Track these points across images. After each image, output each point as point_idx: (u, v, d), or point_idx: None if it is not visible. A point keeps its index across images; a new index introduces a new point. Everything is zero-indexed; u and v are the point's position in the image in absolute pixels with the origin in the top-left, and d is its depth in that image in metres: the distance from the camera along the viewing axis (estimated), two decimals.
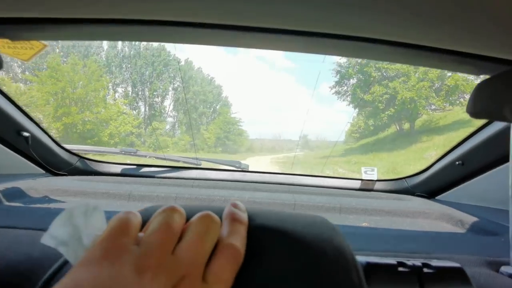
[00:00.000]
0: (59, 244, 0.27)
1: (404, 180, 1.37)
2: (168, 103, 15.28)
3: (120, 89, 13.70)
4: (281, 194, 1.21)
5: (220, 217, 0.30)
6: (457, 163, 1.15)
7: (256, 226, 0.31)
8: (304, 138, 16.95)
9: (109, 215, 0.59)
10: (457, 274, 0.55)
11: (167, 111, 15.10)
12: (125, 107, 11.50)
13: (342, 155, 11.19)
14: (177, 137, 13.95)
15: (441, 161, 1.24)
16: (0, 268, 0.57)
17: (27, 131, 1.10)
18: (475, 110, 0.57)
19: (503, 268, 0.64)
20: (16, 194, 1.04)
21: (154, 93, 14.83)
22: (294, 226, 0.33)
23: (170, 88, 15.24)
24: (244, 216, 0.30)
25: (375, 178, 1.36)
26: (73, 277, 0.23)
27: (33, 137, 1.14)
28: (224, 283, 0.25)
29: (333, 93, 12.55)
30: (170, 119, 15.14)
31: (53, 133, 8.50)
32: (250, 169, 1.46)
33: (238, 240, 0.27)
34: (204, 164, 1.48)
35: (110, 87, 12.18)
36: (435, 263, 0.57)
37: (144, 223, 0.29)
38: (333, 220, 0.69)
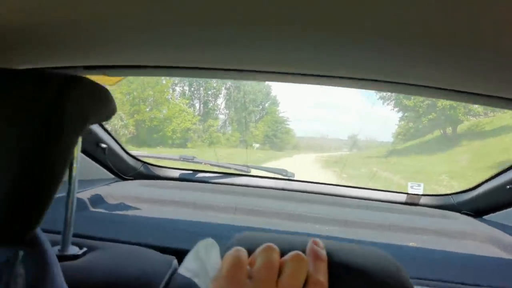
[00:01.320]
0: (193, 276, 0.35)
1: (450, 196, 1.33)
2: (221, 101, 16.13)
3: (178, 88, 14.73)
4: (329, 208, 1.24)
5: (304, 250, 0.36)
6: (508, 187, 1.10)
7: (334, 262, 0.36)
8: (352, 138, 16.77)
9: (176, 224, 0.91)
10: None
11: (219, 109, 15.94)
12: (185, 106, 12.58)
13: (385, 156, 11.41)
14: (228, 134, 14.69)
15: (491, 181, 1.19)
16: (117, 284, 0.63)
17: (104, 142, 1.21)
18: None
19: None
20: (98, 200, 1.12)
21: (208, 92, 15.42)
22: (365, 262, 0.38)
23: (223, 88, 15.71)
24: (324, 254, 0.36)
25: (421, 193, 1.34)
26: None
27: (108, 147, 1.25)
28: None
29: (378, 98, 12.82)
30: (222, 117, 15.91)
31: (128, 128, 9.70)
32: (295, 178, 1.50)
33: (322, 276, 0.33)
34: (253, 172, 1.53)
35: (171, 87, 13.30)
36: None
37: (248, 251, 0.35)
38: (381, 238, 0.94)
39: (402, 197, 1.33)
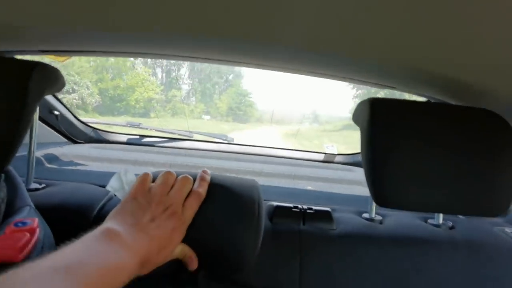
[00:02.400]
0: (115, 191, 0.52)
1: (358, 154, 1.49)
2: (184, 71, 15.97)
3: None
4: (255, 164, 1.39)
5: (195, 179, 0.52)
6: None
7: (213, 183, 0.53)
8: (314, 112, 17.17)
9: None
10: (326, 214, 0.75)
11: (183, 79, 15.68)
12: (148, 75, 12.28)
13: (338, 130, 11.98)
14: (192, 105, 14.62)
15: None
16: (63, 207, 0.75)
17: (56, 110, 1.27)
18: None
19: (364, 215, 0.79)
20: (52, 158, 1.22)
21: (171, 61, 15.08)
22: (232, 184, 0.57)
23: None
24: (208, 177, 0.52)
25: (336, 153, 1.53)
26: (121, 205, 0.45)
27: (61, 114, 1.31)
28: (192, 210, 0.47)
29: None
30: (185, 87, 15.67)
31: (94, 97, 9.39)
32: (234, 142, 1.59)
33: (202, 190, 0.49)
34: (196, 137, 1.60)
35: None
36: (315, 208, 0.78)
37: (153, 180, 0.51)
38: (287, 184, 1.16)
39: (321, 156, 1.50)
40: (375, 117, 0.57)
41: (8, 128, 0.55)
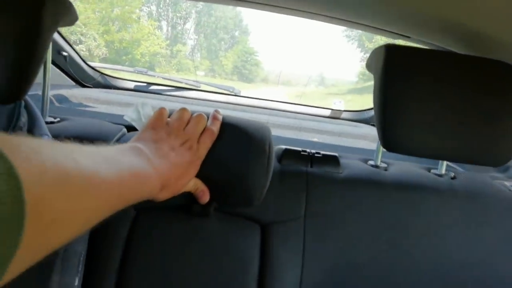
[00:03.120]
0: (132, 121, 0.53)
1: (365, 111, 1.49)
2: (190, 25, 15.39)
3: (145, 9, 13.58)
4: (261, 115, 1.39)
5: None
6: None
7: (225, 123, 0.54)
8: (320, 74, 16.86)
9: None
10: (333, 159, 0.76)
11: (188, 34, 15.28)
12: (154, 29, 11.92)
13: (343, 93, 11.87)
14: (197, 62, 14.34)
15: None
16: (78, 139, 0.56)
17: (65, 51, 1.25)
18: None
19: (369, 162, 0.80)
20: (62, 99, 1.23)
21: (177, 14, 14.59)
22: (244, 124, 0.58)
23: (193, 11, 14.96)
24: (220, 117, 0.54)
25: (342, 109, 1.51)
26: (141, 134, 0.47)
27: (69, 56, 1.29)
28: (206, 146, 0.50)
29: (343, 36, 12.82)
30: (190, 42, 15.29)
31: (101, 49, 9.20)
32: (241, 94, 1.58)
33: (215, 128, 0.51)
34: (203, 87, 1.58)
35: (139, 8, 12.30)
36: (323, 152, 0.79)
37: (168, 115, 0.52)
38: (292, 136, 1.19)
39: (328, 112, 1.49)
40: (389, 63, 0.57)
41: (24, 57, 0.56)
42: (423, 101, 0.56)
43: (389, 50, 0.58)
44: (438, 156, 0.63)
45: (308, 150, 0.78)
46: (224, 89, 1.58)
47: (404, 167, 0.81)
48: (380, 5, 0.68)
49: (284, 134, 1.22)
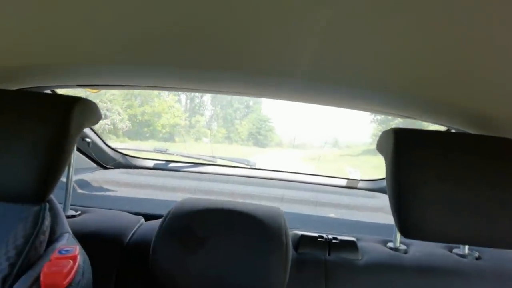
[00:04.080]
0: None
1: (382, 181, 1.48)
2: (207, 98, 16.18)
3: None
4: (277, 190, 1.38)
5: (223, 210, 0.55)
6: None
7: (238, 212, 0.54)
8: (334, 137, 17.00)
9: (146, 201, 1.18)
10: (351, 244, 0.75)
11: (205, 106, 15.96)
12: (174, 102, 12.66)
13: (357, 155, 11.80)
14: (215, 130, 14.83)
15: None
16: (98, 235, 0.80)
17: (88, 137, 1.32)
18: None
19: (388, 244, 0.80)
20: (84, 184, 1.28)
21: None
22: (255, 212, 0.59)
23: None
24: None
25: (359, 178, 1.51)
26: None
27: (92, 141, 1.36)
28: None
29: None
30: (207, 113, 15.96)
31: (125, 123, 9.83)
32: (256, 167, 1.61)
33: None
34: (220, 161, 1.62)
35: None
36: (341, 237, 0.78)
37: (187, 211, 0.55)
38: (309, 211, 1.23)
39: (344, 182, 1.49)
40: (399, 147, 0.57)
41: (51, 159, 0.58)
42: (437, 184, 0.54)
43: (398, 134, 0.58)
44: (458, 240, 0.59)
45: (325, 236, 0.77)
46: (240, 162, 1.61)
47: (425, 248, 0.76)
48: (387, 94, 0.70)
49: (300, 209, 1.19)
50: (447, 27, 0.41)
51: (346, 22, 0.43)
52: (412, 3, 0.37)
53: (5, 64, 0.77)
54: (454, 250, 0.76)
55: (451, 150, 0.59)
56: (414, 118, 0.89)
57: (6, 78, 0.84)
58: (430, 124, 0.88)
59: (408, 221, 0.56)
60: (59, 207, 0.68)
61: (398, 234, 0.77)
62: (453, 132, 0.85)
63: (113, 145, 1.55)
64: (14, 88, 0.92)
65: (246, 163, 1.61)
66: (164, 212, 0.92)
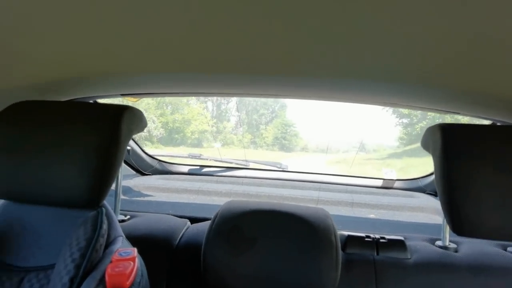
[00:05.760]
0: None
1: (418, 180, 1.44)
2: (232, 105, 16.38)
3: None
4: (312, 192, 1.35)
5: (272, 211, 0.54)
6: None
7: (285, 213, 0.54)
8: (360, 141, 16.61)
9: (187, 205, 1.16)
10: (400, 243, 0.72)
11: (231, 112, 16.16)
12: (202, 109, 12.94)
13: (383, 158, 11.47)
14: (240, 135, 14.96)
15: None
16: (149, 237, 0.81)
17: (128, 145, 1.24)
18: None
19: (437, 242, 0.76)
20: (126, 190, 1.30)
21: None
22: (303, 214, 0.57)
23: None
24: None
25: (394, 178, 1.45)
26: None
27: (132, 149, 1.38)
28: None
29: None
30: (233, 119, 16.16)
31: (158, 130, 10.22)
32: (288, 169, 1.58)
33: None
34: (252, 165, 1.60)
35: None
36: (388, 237, 0.75)
37: (235, 213, 0.56)
38: (346, 213, 1.17)
39: (379, 182, 1.45)
40: (447, 144, 0.54)
41: (104, 166, 0.60)
42: (489, 179, 0.51)
43: (445, 131, 0.55)
44: None
45: (372, 235, 0.75)
46: (272, 165, 1.58)
47: (476, 246, 0.72)
48: (430, 88, 0.67)
49: (338, 211, 1.16)
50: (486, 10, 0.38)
51: (372, 15, 0.41)
52: None
53: (56, 77, 0.81)
54: (509, 249, 0.71)
55: (499, 143, 0.55)
56: (457, 113, 0.84)
57: (56, 90, 0.89)
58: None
59: (461, 218, 0.51)
60: (112, 212, 0.70)
61: (447, 232, 0.73)
62: (497, 125, 0.79)
63: (148, 151, 1.58)
64: (64, 99, 0.97)
65: (278, 166, 1.58)
66: (206, 215, 0.93)
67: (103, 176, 0.60)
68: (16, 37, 0.61)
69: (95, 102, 1.04)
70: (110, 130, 0.61)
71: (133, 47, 0.67)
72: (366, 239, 0.74)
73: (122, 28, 0.59)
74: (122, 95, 1.01)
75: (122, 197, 1.18)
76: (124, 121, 0.63)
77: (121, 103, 0.95)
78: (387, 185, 1.42)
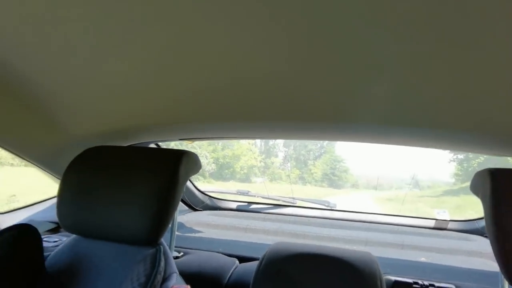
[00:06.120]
0: None
1: (475, 221, 1.36)
2: (280, 140, 16.43)
3: None
4: (361, 232, 1.31)
5: (320, 255, 0.54)
6: None
7: (331, 258, 0.54)
8: (414, 177, 15.53)
9: (236, 243, 1.18)
10: None
11: (279, 147, 16.25)
12: (250, 145, 13.22)
13: (437, 195, 10.50)
14: (288, 171, 14.85)
15: None
16: (200, 275, 0.84)
17: None
18: None
19: None
20: (180, 226, 1.33)
21: None
22: (348, 258, 0.56)
23: None
24: None
25: (448, 219, 1.37)
26: None
27: (186, 186, 1.38)
28: None
29: None
30: (281, 154, 16.19)
31: (211, 165, 10.71)
32: (336, 208, 1.54)
33: None
34: (299, 203, 1.59)
35: None
36: (438, 284, 0.72)
37: (281, 256, 0.58)
38: (396, 255, 1.08)
39: (431, 223, 1.36)
40: (498, 188, 0.52)
41: (162, 207, 0.67)
42: None
43: (495, 175, 0.53)
44: None
45: (420, 282, 0.71)
46: (320, 204, 1.53)
47: None
48: (488, 136, 0.66)
49: (386, 253, 1.11)
50: None
51: (424, 58, 0.43)
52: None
53: (121, 125, 0.92)
54: None
55: None
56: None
57: (121, 136, 1.01)
58: None
59: None
60: (168, 249, 0.74)
61: (506, 283, 0.66)
62: None
63: (201, 185, 1.65)
64: (127, 144, 1.10)
65: (326, 204, 1.54)
66: (254, 254, 0.95)
67: (162, 217, 0.66)
68: (88, 94, 0.73)
69: (156, 147, 1.15)
70: (170, 175, 0.68)
71: (191, 101, 0.77)
72: (414, 285, 0.71)
73: (182, 86, 0.69)
74: (180, 139, 1.12)
75: (176, 232, 1.26)
76: (182, 165, 0.71)
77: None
78: (440, 226, 1.32)
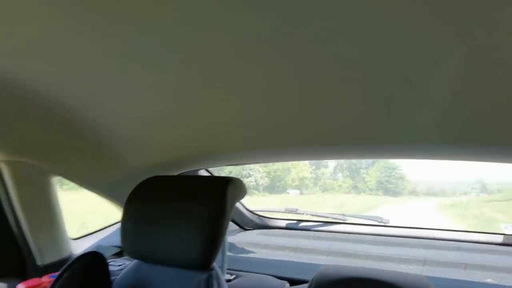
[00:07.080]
0: None
1: None
2: None
3: None
4: (418, 250, 1.24)
5: (371, 280, 0.47)
6: None
7: (379, 281, 0.49)
8: (480, 181, 14.09)
9: (286, 264, 1.22)
10: None
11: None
12: None
13: (509, 199, 9.25)
14: (340, 181, 14.38)
15: None
16: None
17: None
18: None
19: None
20: (231, 246, 1.36)
21: None
22: (400, 283, 0.51)
23: None
24: None
25: None
26: None
27: (235, 207, 1.41)
28: None
29: None
30: (332, 164, 15.78)
31: (264, 179, 10.94)
32: (390, 224, 1.48)
33: None
34: (350, 219, 1.57)
35: None
36: None
37: (331, 280, 0.51)
38: (457, 276, 1.00)
39: (499, 238, 1.24)
40: None
41: (213, 232, 0.73)
42: None
43: None
44: None
45: None
46: (372, 220, 1.47)
47: None
48: None
49: (447, 274, 1.03)
50: None
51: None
52: None
53: (172, 156, 1.01)
54: None
55: None
56: None
57: (172, 166, 1.11)
58: None
59: None
60: (220, 273, 0.78)
61: None
62: None
63: (256, 200, 1.70)
64: (178, 172, 1.19)
65: (379, 220, 1.47)
66: (304, 276, 0.96)
67: (213, 242, 0.72)
68: (144, 131, 0.84)
69: (204, 176, 1.23)
70: (218, 203, 0.75)
71: (235, 133, 0.85)
72: None
73: (227, 119, 0.77)
74: (227, 165, 1.21)
75: (227, 253, 1.31)
76: (229, 192, 0.77)
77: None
78: (509, 242, 1.19)
